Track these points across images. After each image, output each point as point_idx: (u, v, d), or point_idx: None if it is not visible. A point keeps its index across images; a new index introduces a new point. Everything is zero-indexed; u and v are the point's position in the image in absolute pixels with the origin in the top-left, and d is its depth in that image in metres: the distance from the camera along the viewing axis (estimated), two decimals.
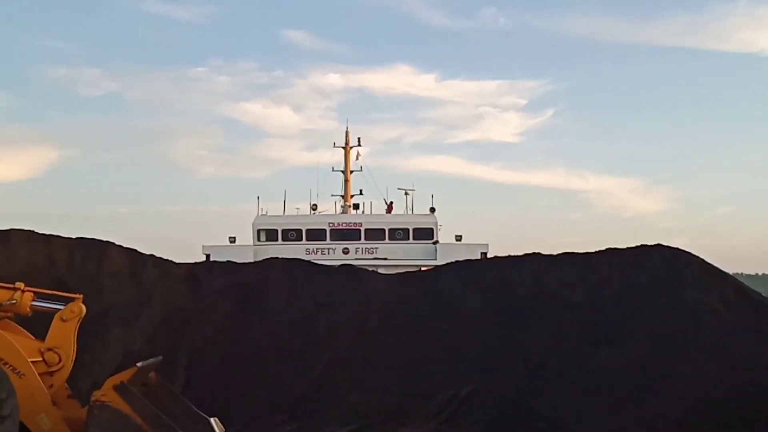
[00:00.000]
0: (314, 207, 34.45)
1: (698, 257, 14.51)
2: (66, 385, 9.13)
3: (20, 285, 9.35)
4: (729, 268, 14.74)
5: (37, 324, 9.33)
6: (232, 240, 31.55)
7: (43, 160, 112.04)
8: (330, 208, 35.57)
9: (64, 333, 9.10)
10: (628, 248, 14.98)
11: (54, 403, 8.71)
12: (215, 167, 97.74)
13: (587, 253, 15.29)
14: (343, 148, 37.07)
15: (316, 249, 30.69)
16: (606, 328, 13.20)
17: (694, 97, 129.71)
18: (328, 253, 30.49)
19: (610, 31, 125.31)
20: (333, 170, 37.20)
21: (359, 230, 32.20)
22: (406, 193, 34.59)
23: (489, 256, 26.91)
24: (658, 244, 14.90)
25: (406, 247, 31.59)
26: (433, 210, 33.33)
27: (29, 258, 14.65)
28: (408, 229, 32.20)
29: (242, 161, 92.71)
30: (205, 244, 30.42)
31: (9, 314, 9.18)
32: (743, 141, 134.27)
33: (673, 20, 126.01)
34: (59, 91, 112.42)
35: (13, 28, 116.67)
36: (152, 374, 9.28)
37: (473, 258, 22.37)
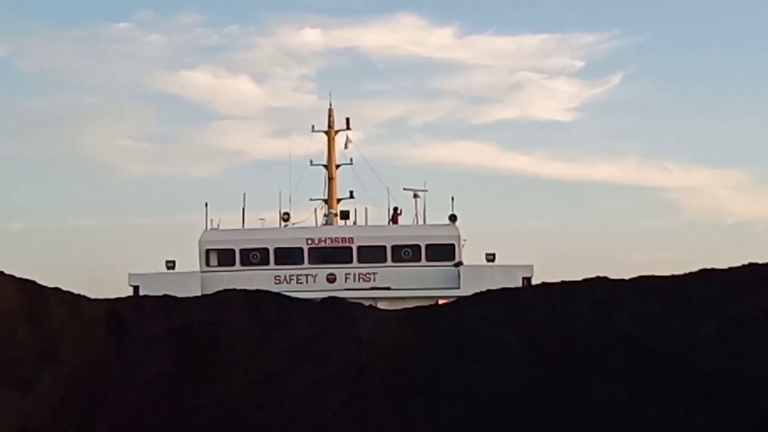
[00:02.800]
0: (286, 217, 34.64)
1: None
2: None
3: None
4: None
5: None
6: (171, 265, 31.76)
7: None
8: (309, 218, 35.95)
9: None
10: (732, 268, 14.94)
11: None
12: (145, 163, 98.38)
13: (674, 276, 15.26)
14: (326, 132, 37.38)
15: (290, 276, 30.92)
16: (701, 383, 13.16)
17: None
18: (307, 282, 30.76)
19: None
20: (312, 164, 37.64)
21: (350, 248, 32.42)
22: (416, 195, 34.85)
23: (534, 282, 26.99)
24: None
25: (417, 271, 31.82)
26: (454, 218, 33.53)
27: None
28: (419, 246, 32.43)
29: (183, 154, 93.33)
30: (132, 272, 30.55)
31: None
32: None
33: None
34: None
35: None
36: None
37: (513, 286, 22.45)
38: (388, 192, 35.55)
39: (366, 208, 36.22)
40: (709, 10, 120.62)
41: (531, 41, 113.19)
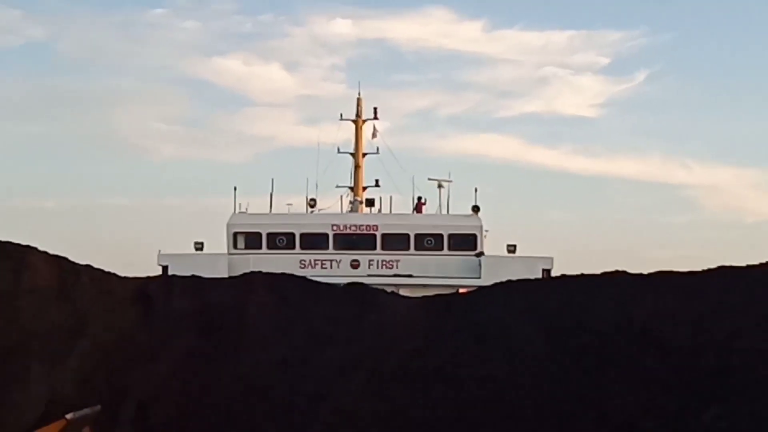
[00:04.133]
0: (312, 203, 34.68)
1: None
2: None
3: None
4: None
5: None
6: (199, 247, 31.82)
7: None
8: (334, 205, 35.93)
9: None
10: (750, 266, 14.85)
11: None
12: (177, 146, 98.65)
13: (693, 272, 15.19)
14: (354, 121, 37.40)
15: (315, 261, 30.95)
16: (715, 379, 13.10)
17: None
18: (331, 267, 30.73)
19: None
20: (339, 152, 37.68)
21: (374, 236, 32.40)
22: (440, 186, 34.79)
23: (554, 274, 26.93)
24: None
25: (439, 260, 31.75)
26: (476, 209, 33.41)
27: None
28: (442, 236, 32.36)
29: (215, 138, 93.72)
30: (163, 251, 30.64)
31: None
32: None
33: None
34: None
35: None
36: (87, 429, 9.34)
37: (532, 277, 22.40)
38: (413, 182, 35.52)
39: (391, 197, 36.25)
40: (733, 10, 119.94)
41: (558, 37, 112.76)
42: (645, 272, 15.52)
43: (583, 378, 13.68)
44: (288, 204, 34.76)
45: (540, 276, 24.89)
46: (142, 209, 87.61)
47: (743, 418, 12.38)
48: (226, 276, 20.27)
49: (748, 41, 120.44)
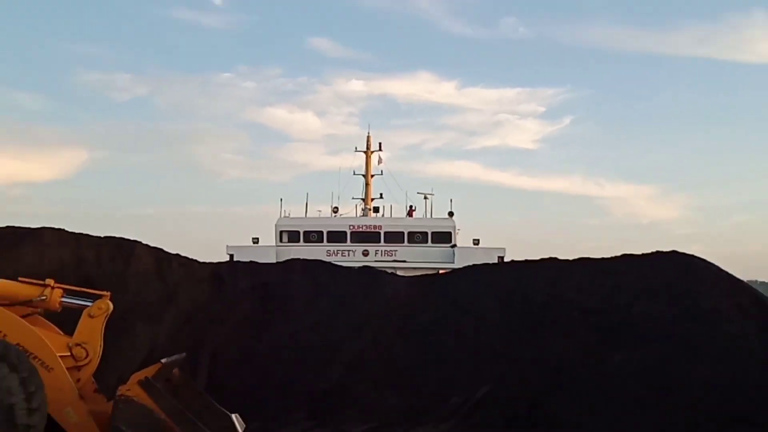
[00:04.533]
0: (335, 210, 34.49)
1: (714, 264, 14.34)
2: (92, 379, 9.18)
3: (50, 282, 9.41)
4: (744, 276, 14.57)
5: (66, 320, 9.39)
6: (255, 241, 31.66)
7: (74, 161, 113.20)
8: (351, 211, 35.71)
9: (91, 329, 9.16)
10: (643, 254, 14.85)
11: (81, 397, 8.75)
12: (240, 170, 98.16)
13: (603, 258, 15.18)
14: (365, 152, 37.19)
15: (337, 251, 30.73)
16: (620, 333, 13.09)
17: (711, 106, 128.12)
18: (349, 255, 30.51)
19: (628, 41, 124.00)
20: (354, 174, 37.36)
21: (379, 233, 32.21)
22: (426, 198, 34.60)
23: (506, 260, 26.85)
24: (674, 251, 14.77)
25: (424, 250, 31.54)
26: (451, 214, 33.22)
27: (59, 256, 14.76)
28: (427, 233, 32.16)
29: (266, 165, 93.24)
30: (229, 244, 30.56)
31: (38, 310, 9.25)
32: (759, 150, 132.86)
33: (690, 31, 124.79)
34: (92, 94, 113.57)
35: (49, 33, 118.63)
36: (176, 371, 9.31)
37: (490, 262, 22.35)
38: (406, 195, 35.31)
39: (391, 206, 35.94)
40: (631, 73, 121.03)
41: (509, 93, 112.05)
42: (570, 258, 15.58)
43: (525, 333, 13.65)
44: (318, 210, 34.52)
45: (496, 261, 24.73)
46: (215, 215, 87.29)
47: (641, 360, 12.37)
48: (274, 261, 20.21)
49: (643, 96, 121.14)
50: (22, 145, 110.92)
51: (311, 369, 13.39)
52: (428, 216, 34.09)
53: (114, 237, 15.74)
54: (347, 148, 40.99)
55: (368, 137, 37.64)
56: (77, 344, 9.01)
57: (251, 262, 17.38)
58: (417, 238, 32.21)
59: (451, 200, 33.67)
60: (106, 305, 9.28)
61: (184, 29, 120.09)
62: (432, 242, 31.99)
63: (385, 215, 35.17)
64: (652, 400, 11.47)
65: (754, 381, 11.17)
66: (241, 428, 8.93)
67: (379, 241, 31.97)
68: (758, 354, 11.84)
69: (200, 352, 13.50)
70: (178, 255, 15.98)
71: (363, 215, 35.62)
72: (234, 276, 15.85)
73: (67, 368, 8.72)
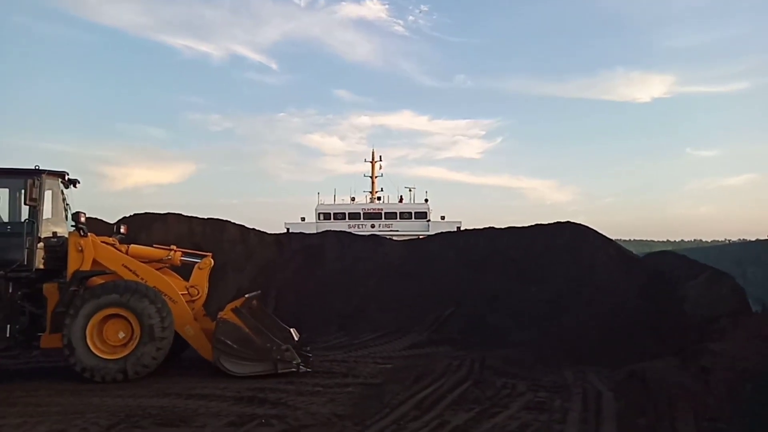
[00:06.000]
0: (353, 198, 34.37)
1: (593, 229, 14.30)
2: (202, 308, 9.23)
3: (173, 247, 9.44)
4: (612, 236, 14.53)
5: (184, 271, 9.42)
6: (303, 219, 31.55)
7: (186, 171, 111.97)
8: (363, 199, 35.54)
9: (200, 277, 9.21)
10: (548, 224, 14.81)
11: (195, 319, 8.81)
12: (291, 174, 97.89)
13: (523, 226, 15.14)
14: (371, 162, 36.93)
15: (355, 225, 30.64)
16: (535, 273, 13.09)
17: (590, 129, 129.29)
18: (362, 228, 30.42)
19: (537, 88, 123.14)
20: (364, 176, 37.11)
21: (381, 213, 32.13)
22: (410, 190, 34.45)
23: (462, 228, 26.78)
24: (568, 221, 14.71)
25: (410, 223, 31.48)
26: (426, 201, 33.17)
27: (178, 230, 14.75)
28: (411, 212, 32.07)
29: (308, 171, 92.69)
30: (286, 221, 30.55)
31: (166, 265, 9.30)
32: (620, 156, 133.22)
33: (576, 81, 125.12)
34: (195, 128, 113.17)
35: (168, 88, 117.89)
36: (255, 302, 9.35)
37: (452, 230, 22.31)
38: (398, 189, 35.66)
39: (388, 196, 35.68)
40: (540, 109, 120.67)
41: (462, 123, 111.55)
42: (502, 227, 15.52)
43: (474, 274, 13.67)
44: (342, 199, 34.34)
45: (455, 230, 24.68)
46: (276, 203, 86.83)
47: (547, 291, 12.39)
48: (315, 232, 20.20)
49: (547, 123, 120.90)
50: (152, 161, 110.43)
51: (339, 299, 13.44)
52: (412, 202, 33.94)
53: (213, 218, 15.70)
54: (359, 160, 40.80)
55: (373, 152, 37.35)
56: (191, 286, 9.07)
57: (300, 232, 17.36)
58: (405, 216, 32.09)
59: (426, 191, 34.11)
60: (210, 261, 9.32)
61: (253, 85, 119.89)
62: (414, 218, 31.87)
63: (384, 202, 35.02)
64: (554, 316, 11.51)
65: (619, 302, 11.19)
66: (296, 337, 8.99)
67: (381, 218, 31.86)
68: (621, 285, 11.86)
69: (270, 290, 13.54)
70: (254, 229, 15.96)
71: (370, 202, 35.44)
72: (289, 241, 15.84)
73: (186, 301, 8.80)
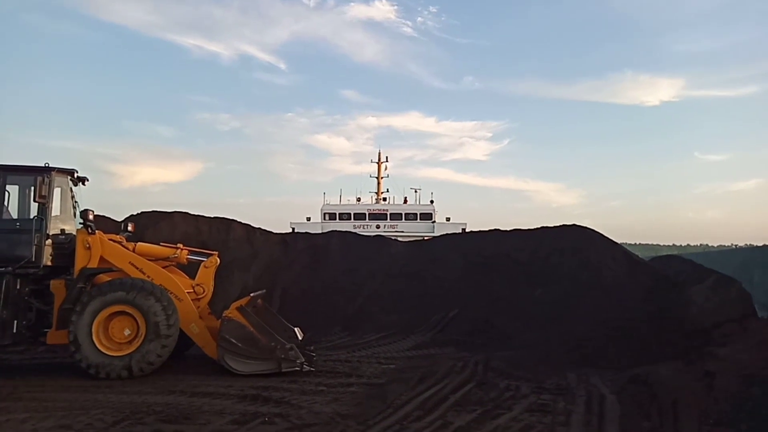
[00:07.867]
0: (359, 199, 34.39)
1: (599, 232, 14.25)
2: (207, 306, 9.26)
3: (180, 245, 9.48)
4: (618, 240, 14.46)
5: (190, 270, 9.46)
6: (308, 218, 31.65)
7: (193, 169, 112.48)
8: (368, 200, 35.58)
9: (206, 275, 9.24)
10: (554, 226, 14.76)
11: (200, 317, 8.84)
12: (298, 174, 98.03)
13: (528, 229, 15.10)
14: (377, 163, 36.97)
15: (360, 225, 30.68)
16: (540, 276, 13.05)
17: (597, 132, 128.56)
18: (367, 228, 30.46)
19: (545, 90, 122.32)
20: (370, 177, 37.18)
21: (386, 213, 32.13)
22: (416, 191, 34.49)
23: (467, 230, 26.74)
24: (574, 224, 14.64)
25: (415, 224, 31.48)
26: (432, 202, 33.14)
27: (185, 229, 14.80)
28: (416, 213, 32.07)
29: (315, 171, 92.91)
30: (292, 221, 30.64)
31: (173, 263, 9.34)
32: (627, 160, 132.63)
33: (585, 83, 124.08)
34: (203, 127, 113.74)
35: (178, 88, 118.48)
36: (260, 301, 9.37)
37: (457, 231, 22.28)
38: (403, 190, 35.48)
39: (393, 196, 35.69)
40: (548, 111, 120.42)
41: (469, 124, 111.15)
42: (508, 229, 15.48)
43: (479, 275, 13.64)
44: (348, 199, 34.39)
45: (460, 231, 24.64)
46: (282, 203, 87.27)
47: (552, 293, 12.35)
48: (320, 232, 20.24)
49: (554, 126, 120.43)
50: (160, 159, 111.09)
51: (344, 299, 13.44)
52: (417, 203, 33.96)
53: (219, 217, 15.75)
54: (366, 160, 41.01)
55: (379, 153, 37.43)
56: (197, 284, 9.11)
57: (306, 232, 17.39)
58: (410, 216, 32.10)
59: (432, 193, 33.83)
60: (216, 260, 9.35)
61: (262, 85, 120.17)
62: (420, 219, 31.88)
63: (390, 202, 35.05)
64: (559, 317, 11.47)
65: (624, 304, 11.13)
66: (300, 336, 9.00)
67: (387, 219, 31.88)
68: (627, 289, 11.79)
69: (275, 289, 13.56)
70: (260, 228, 16.00)
71: (376, 203, 35.49)
72: (295, 241, 15.86)
73: (192, 300, 8.83)
